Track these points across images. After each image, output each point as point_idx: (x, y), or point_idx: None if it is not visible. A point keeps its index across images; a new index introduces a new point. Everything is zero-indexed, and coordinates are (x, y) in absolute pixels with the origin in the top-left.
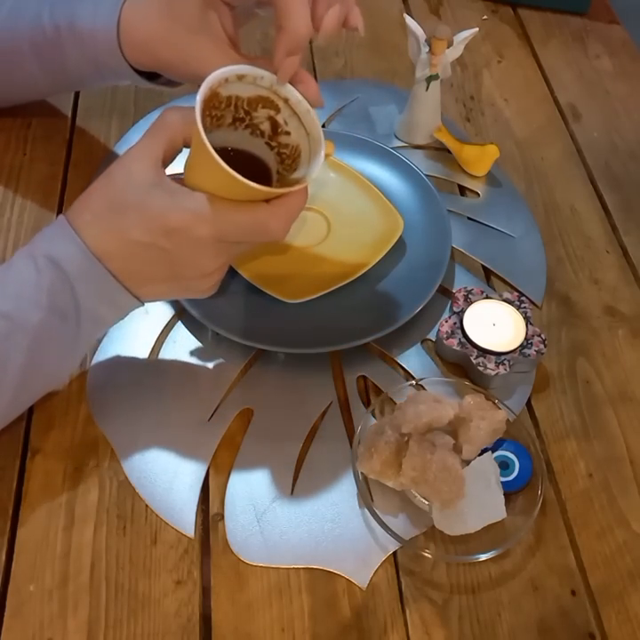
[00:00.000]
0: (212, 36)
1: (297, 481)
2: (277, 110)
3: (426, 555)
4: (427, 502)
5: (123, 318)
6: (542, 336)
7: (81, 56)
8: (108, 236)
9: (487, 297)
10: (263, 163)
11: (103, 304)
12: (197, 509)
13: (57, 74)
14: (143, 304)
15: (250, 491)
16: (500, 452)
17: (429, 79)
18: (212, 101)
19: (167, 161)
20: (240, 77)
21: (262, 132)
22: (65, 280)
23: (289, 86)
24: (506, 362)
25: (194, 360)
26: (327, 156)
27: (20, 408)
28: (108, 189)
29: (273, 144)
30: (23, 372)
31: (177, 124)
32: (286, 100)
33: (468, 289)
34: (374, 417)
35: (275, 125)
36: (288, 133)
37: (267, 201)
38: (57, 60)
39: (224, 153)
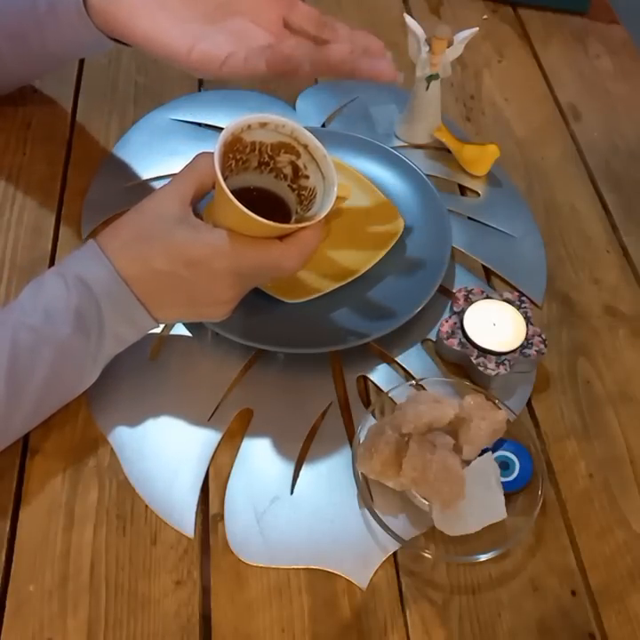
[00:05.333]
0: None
1: (297, 481)
2: (298, 156)
3: (426, 555)
4: (427, 502)
5: (139, 338)
6: (542, 336)
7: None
8: (134, 262)
9: (487, 297)
10: (284, 203)
11: (124, 323)
12: (197, 509)
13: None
14: (158, 325)
15: (250, 491)
16: (500, 453)
17: (429, 79)
18: (235, 145)
19: (196, 201)
20: (262, 125)
21: (285, 176)
22: (92, 299)
23: (308, 134)
24: (506, 362)
25: (194, 360)
26: (343, 199)
27: (38, 419)
28: (138, 221)
29: (294, 186)
30: (46, 383)
31: (207, 168)
32: (306, 147)
33: (469, 289)
34: (374, 417)
35: (296, 169)
36: (307, 177)
37: (281, 239)
38: (32, 36)
39: (246, 192)
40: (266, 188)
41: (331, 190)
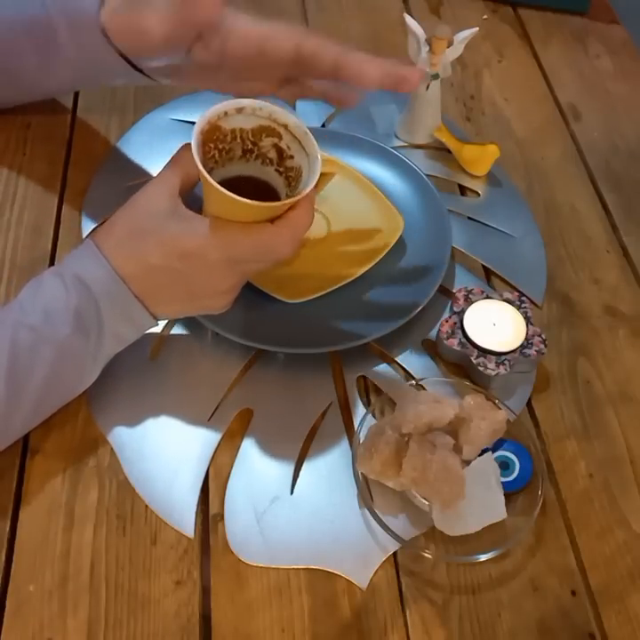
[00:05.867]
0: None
1: (297, 481)
2: (280, 137)
3: (426, 555)
4: (427, 502)
5: (138, 337)
6: (542, 336)
7: (70, 39)
8: (131, 259)
9: (487, 297)
10: (273, 188)
11: (123, 322)
12: (197, 509)
13: (51, 61)
14: (157, 323)
15: (250, 491)
16: (500, 453)
17: (430, 79)
18: (214, 134)
19: (184, 192)
20: (239, 110)
21: (271, 160)
22: (91, 298)
23: (286, 112)
24: (506, 362)
25: (194, 360)
26: (331, 175)
27: (38, 419)
28: (130, 217)
29: (281, 170)
30: (46, 383)
31: (191, 158)
32: (286, 127)
33: (469, 289)
34: (374, 417)
35: (280, 152)
36: (292, 157)
37: (272, 222)
38: (51, 44)
39: (235, 183)
40: (254, 176)
41: (314, 165)
